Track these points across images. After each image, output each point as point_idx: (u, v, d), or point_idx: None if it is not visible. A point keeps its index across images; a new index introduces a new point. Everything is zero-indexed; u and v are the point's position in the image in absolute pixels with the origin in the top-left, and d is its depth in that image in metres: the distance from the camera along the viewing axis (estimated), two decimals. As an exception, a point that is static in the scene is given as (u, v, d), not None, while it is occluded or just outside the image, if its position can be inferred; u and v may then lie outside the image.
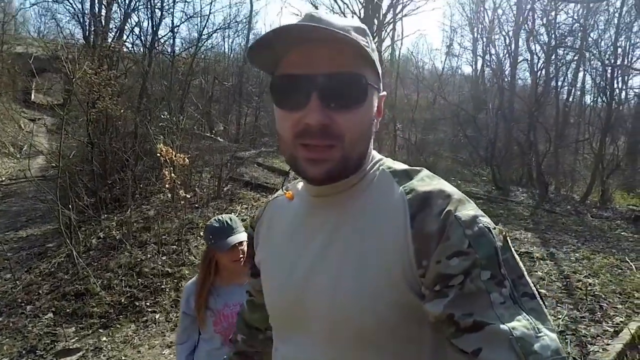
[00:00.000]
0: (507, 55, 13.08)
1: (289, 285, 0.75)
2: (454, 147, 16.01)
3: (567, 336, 3.20)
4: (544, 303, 0.60)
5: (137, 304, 4.25)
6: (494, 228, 0.62)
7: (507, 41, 12.72)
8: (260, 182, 8.09)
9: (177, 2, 12.57)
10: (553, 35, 11.31)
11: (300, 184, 0.82)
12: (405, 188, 0.68)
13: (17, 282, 4.73)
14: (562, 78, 12.37)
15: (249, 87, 15.91)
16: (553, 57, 11.45)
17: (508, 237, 0.62)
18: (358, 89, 0.65)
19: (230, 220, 1.77)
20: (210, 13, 13.64)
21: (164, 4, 11.90)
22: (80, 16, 11.61)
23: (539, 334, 0.54)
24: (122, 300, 4.28)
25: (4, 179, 10.43)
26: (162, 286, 4.53)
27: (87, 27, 11.28)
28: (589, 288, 4.06)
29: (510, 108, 12.26)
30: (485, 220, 0.62)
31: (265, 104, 15.50)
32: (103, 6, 11.33)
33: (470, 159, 15.04)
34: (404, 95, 16.74)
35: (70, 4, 11.87)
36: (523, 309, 0.57)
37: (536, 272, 4.48)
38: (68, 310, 4.11)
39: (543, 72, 11.93)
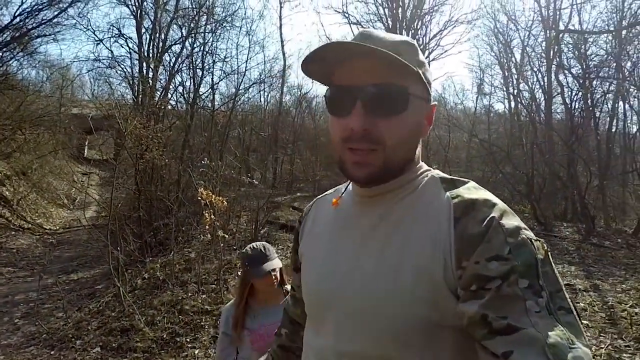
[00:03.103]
0: (540, 90, 13.02)
1: (326, 278, 0.78)
2: (492, 185, 15.71)
3: (611, 364, 3.04)
4: (580, 320, 0.60)
5: (178, 339, 4.39)
6: (536, 240, 0.63)
7: (539, 76, 12.71)
8: (296, 224, 8.24)
9: (216, 62, 13.48)
10: (585, 67, 11.24)
11: (345, 187, 0.87)
12: (451, 194, 0.71)
13: (69, 319, 5.02)
14: (599, 109, 12.09)
15: (284, 136, 16.53)
16: (588, 88, 11.30)
17: (549, 252, 0.64)
18: (398, 98, 0.70)
19: (264, 248, 1.88)
20: (246, 70, 14.54)
21: (205, 65, 12.92)
22: (130, 79, 12.74)
23: (573, 345, 0.54)
24: (164, 336, 4.43)
25: (58, 228, 11.18)
26: (202, 323, 4.65)
27: (137, 88, 12.33)
28: (634, 317, 3.83)
29: (547, 142, 12.04)
30: (528, 233, 0.64)
31: (300, 150, 16.00)
32: (150, 69, 12.43)
33: (509, 196, 14.66)
34: (436, 136, 16.81)
35: (122, 68, 13.06)
36: (558, 321, 0.57)
37: (578, 303, 4.27)
38: (114, 345, 4.30)
39: (579, 104, 11.77)
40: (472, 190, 0.72)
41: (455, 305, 0.64)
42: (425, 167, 0.81)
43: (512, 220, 0.65)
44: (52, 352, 4.32)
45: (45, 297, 6.06)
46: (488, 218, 0.64)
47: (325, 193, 0.96)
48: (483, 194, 0.70)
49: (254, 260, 1.84)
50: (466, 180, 0.75)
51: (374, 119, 0.69)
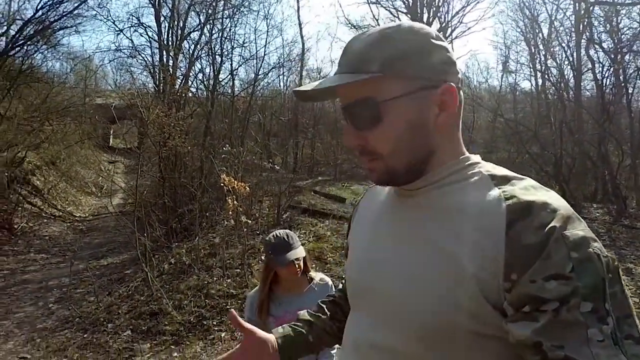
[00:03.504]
0: (568, 66, 12.51)
1: (362, 269, 0.78)
2: (518, 166, 15.33)
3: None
4: None
5: (204, 322, 4.48)
6: (605, 256, 0.56)
7: (568, 52, 12.19)
8: (318, 208, 8.23)
9: (234, 48, 13.41)
10: (618, 41, 10.73)
11: None
12: (505, 193, 0.63)
13: (100, 304, 5.19)
14: (632, 85, 11.53)
15: (304, 120, 16.46)
16: (620, 64, 10.80)
17: (620, 269, 0.57)
18: (370, 110, 0.68)
19: (287, 236, 1.84)
20: (265, 55, 14.45)
21: (224, 51, 12.89)
22: (151, 67, 12.85)
23: None
24: (191, 320, 4.53)
25: (87, 215, 11.53)
26: (227, 306, 4.73)
27: (158, 77, 12.45)
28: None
29: (577, 121, 11.62)
30: (596, 245, 0.56)
31: (320, 134, 15.91)
32: (170, 57, 12.50)
33: (536, 177, 14.31)
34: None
35: (143, 57, 13.16)
36: (625, 353, 0.51)
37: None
38: (144, 328, 4.43)
39: (610, 80, 11.27)
40: (529, 190, 0.63)
41: (495, 316, 0.60)
42: (473, 159, 0.73)
43: (577, 230, 0.57)
44: (85, 335, 4.48)
45: (77, 282, 6.27)
46: (548, 227, 0.56)
47: None
48: (543, 195, 0.61)
49: (277, 249, 1.81)
50: (522, 177, 0.67)
51: (362, 135, 0.70)
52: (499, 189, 0.64)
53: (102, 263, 7.37)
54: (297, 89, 0.72)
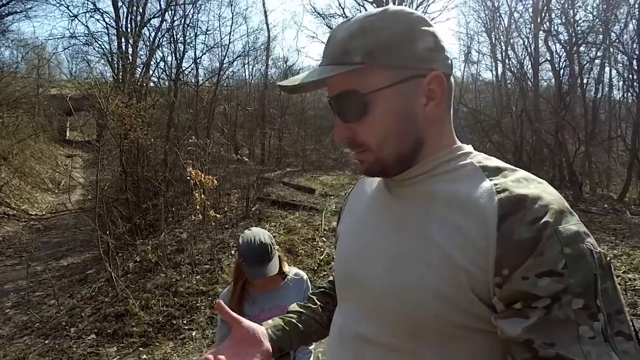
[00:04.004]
0: (527, 57, 12.92)
1: (350, 259, 0.78)
2: (480, 154, 15.77)
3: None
4: None
5: (174, 322, 4.37)
6: (597, 252, 0.55)
7: (527, 43, 12.58)
8: (287, 200, 8.18)
9: (198, 35, 13.02)
10: (573, 33, 11.15)
11: None
12: (497, 186, 0.61)
13: (61, 307, 4.95)
14: (587, 75, 12.05)
15: (271, 110, 16.26)
16: (575, 55, 11.25)
17: (612, 264, 0.57)
18: (356, 103, 0.66)
19: (262, 245, 1.68)
20: (229, 42, 14.14)
21: (186, 38, 12.48)
22: (109, 55, 12.24)
23: None
24: (160, 319, 4.40)
25: (44, 213, 10.98)
26: (197, 304, 4.63)
27: (116, 65, 11.89)
28: (628, 283, 3.91)
29: (535, 110, 12.05)
30: (589, 241, 0.55)
31: (288, 124, 15.78)
32: (129, 45, 11.96)
33: (498, 165, 14.78)
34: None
35: (100, 45, 12.52)
36: (614, 350, 0.51)
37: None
38: (109, 331, 4.27)
39: (566, 71, 11.71)
40: (522, 183, 0.61)
41: (484, 310, 0.59)
42: (464, 149, 0.71)
43: (570, 225, 0.56)
44: (47, 342, 4.27)
45: (35, 285, 5.97)
46: (541, 222, 0.55)
47: None
48: (535, 187, 0.60)
49: (251, 262, 1.67)
50: (515, 168, 0.66)
51: (350, 127, 0.69)
52: (491, 180, 0.63)
53: (61, 263, 7.04)
54: (281, 83, 0.70)
